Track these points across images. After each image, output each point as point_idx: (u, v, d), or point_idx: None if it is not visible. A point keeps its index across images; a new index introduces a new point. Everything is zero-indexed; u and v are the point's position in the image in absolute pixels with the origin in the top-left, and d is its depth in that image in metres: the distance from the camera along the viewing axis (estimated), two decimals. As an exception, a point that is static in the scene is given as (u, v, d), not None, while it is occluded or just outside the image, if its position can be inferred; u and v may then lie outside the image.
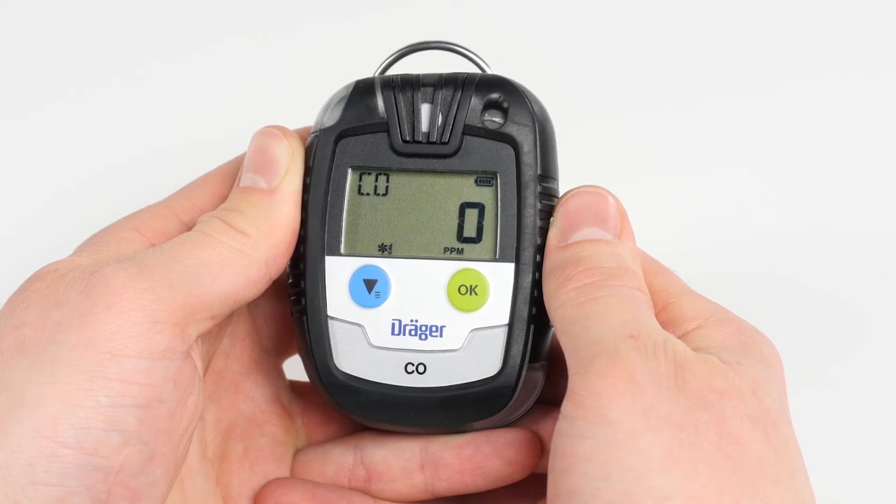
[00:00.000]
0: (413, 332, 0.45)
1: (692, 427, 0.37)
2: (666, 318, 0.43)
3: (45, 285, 0.41)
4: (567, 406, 0.39)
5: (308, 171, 0.46)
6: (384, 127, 0.46)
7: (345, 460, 0.48)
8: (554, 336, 0.48)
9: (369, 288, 0.46)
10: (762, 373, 0.40)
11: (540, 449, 0.47)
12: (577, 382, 0.39)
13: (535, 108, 0.46)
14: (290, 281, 0.47)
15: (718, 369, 0.39)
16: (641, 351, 0.39)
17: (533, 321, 0.45)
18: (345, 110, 0.46)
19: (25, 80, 0.70)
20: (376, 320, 0.46)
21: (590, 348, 0.40)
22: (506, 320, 0.45)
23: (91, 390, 0.39)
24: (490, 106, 0.46)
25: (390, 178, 0.46)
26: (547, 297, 0.44)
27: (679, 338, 0.42)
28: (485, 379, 0.45)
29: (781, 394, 0.41)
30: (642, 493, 0.36)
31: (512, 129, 0.46)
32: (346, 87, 0.47)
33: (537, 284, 0.45)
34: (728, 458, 0.37)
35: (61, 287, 0.41)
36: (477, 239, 0.46)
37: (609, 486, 0.37)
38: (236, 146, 0.48)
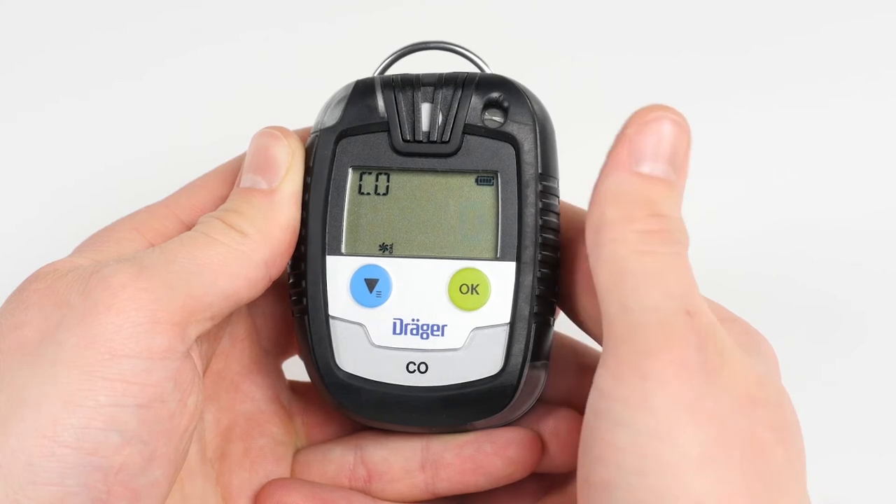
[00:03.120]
0: (414, 332, 0.45)
1: (730, 428, 0.37)
2: None
3: (44, 285, 0.41)
4: (605, 378, 0.38)
5: (308, 171, 0.46)
6: (384, 126, 0.46)
7: (345, 460, 0.48)
8: (555, 335, 0.48)
9: (370, 287, 0.46)
10: (780, 382, 0.40)
11: (541, 448, 0.47)
12: (623, 353, 0.37)
13: (536, 107, 0.46)
14: (290, 281, 0.47)
15: (757, 376, 0.39)
16: (696, 333, 0.37)
17: (534, 320, 0.45)
18: (345, 110, 0.46)
19: (25, 80, 0.70)
20: (378, 320, 0.46)
21: (641, 314, 0.38)
22: (507, 319, 0.45)
23: (91, 390, 0.39)
24: (490, 105, 0.46)
25: (391, 177, 0.46)
26: (598, 220, 0.40)
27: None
28: (486, 378, 0.45)
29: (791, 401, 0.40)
30: (676, 494, 0.36)
31: (512, 129, 0.46)
32: (347, 86, 0.47)
33: (539, 283, 0.45)
34: (754, 465, 0.37)
35: (61, 287, 0.41)
36: (478, 238, 0.46)
37: (643, 483, 0.36)
38: (236, 146, 0.48)
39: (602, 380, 0.38)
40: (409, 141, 0.46)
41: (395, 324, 0.46)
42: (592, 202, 0.41)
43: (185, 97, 0.70)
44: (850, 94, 0.69)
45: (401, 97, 0.46)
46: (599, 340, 0.46)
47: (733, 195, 0.68)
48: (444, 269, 0.46)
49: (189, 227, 0.45)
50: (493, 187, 0.46)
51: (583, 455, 0.39)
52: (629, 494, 0.36)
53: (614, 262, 0.39)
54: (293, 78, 0.70)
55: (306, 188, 0.46)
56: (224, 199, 0.46)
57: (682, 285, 0.39)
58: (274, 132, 0.46)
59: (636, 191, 0.40)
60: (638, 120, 0.41)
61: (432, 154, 0.46)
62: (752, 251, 0.67)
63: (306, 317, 0.46)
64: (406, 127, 0.46)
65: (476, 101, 0.46)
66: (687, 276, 0.39)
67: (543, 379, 0.47)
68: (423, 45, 0.48)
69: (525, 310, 0.45)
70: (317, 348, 0.46)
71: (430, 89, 0.46)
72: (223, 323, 0.47)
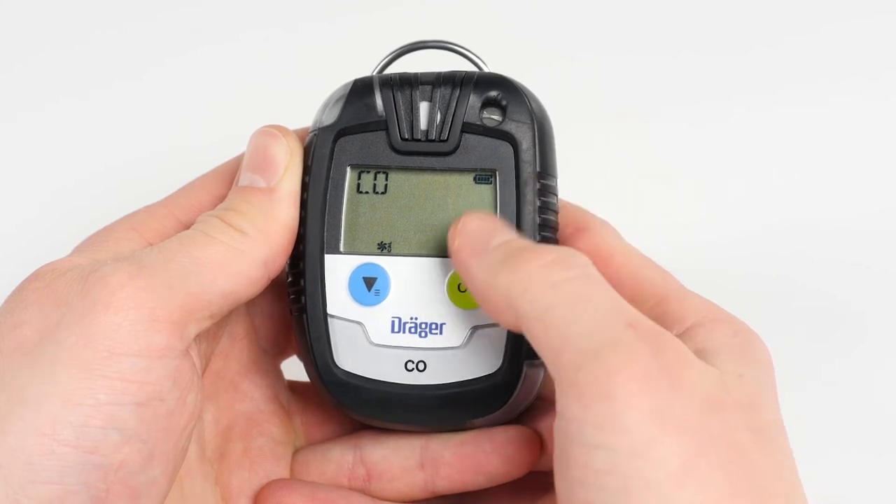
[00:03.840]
0: (413, 330, 0.46)
1: (705, 434, 0.37)
2: (662, 311, 0.43)
3: (43, 285, 0.41)
4: (572, 406, 0.37)
5: (307, 170, 0.46)
6: (383, 125, 0.46)
7: (344, 460, 0.48)
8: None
9: (369, 286, 0.46)
10: (761, 382, 0.40)
11: (540, 446, 0.47)
12: (582, 379, 0.37)
13: (534, 105, 0.46)
14: (289, 280, 0.47)
15: (719, 379, 0.38)
16: (647, 342, 0.37)
17: (533, 318, 0.45)
18: (343, 109, 0.46)
19: (25, 80, 0.70)
20: (376, 318, 0.46)
21: (586, 339, 0.37)
22: (506, 318, 0.45)
23: (90, 388, 0.39)
24: (488, 104, 0.46)
25: (389, 176, 0.46)
26: (503, 294, 0.40)
27: (676, 336, 0.42)
28: (485, 376, 0.45)
29: (775, 399, 0.40)
30: None
31: (510, 127, 0.46)
32: (345, 85, 0.47)
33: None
34: (738, 468, 0.37)
35: (60, 286, 0.41)
36: None
37: (628, 502, 0.36)
38: (236, 146, 0.48)
39: (568, 408, 0.37)
40: (407, 139, 0.46)
41: (393, 322, 0.46)
42: (485, 295, 0.41)
43: (185, 97, 0.70)
44: (850, 94, 0.70)
45: (399, 96, 0.46)
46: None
47: (733, 195, 0.68)
48: (442, 268, 0.46)
49: (187, 227, 0.45)
50: (491, 186, 0.46)
51: (560, 479, 0.38)
52: None
53: (537, 307, 0.39)
54: (293, 78, 0.70)
55: (305, 187, 0.46)
56: (222, 199, 0.46)
57: (610, 301, 0.39)
58: (272, 131, 0.46)
59: (507, 250, 0.41)
60: (453, 240, 0.43)
61: (430, 153, 0.46)
62: (752, 251, 0.67)
63: (305, 316, 0.46)
64: (404, 125, 0.46)
65: (474, 100, 0.46)
66: (607, 290, 0.39)
67: (542, 377, 0.47)
68: (422, 45, 0.48)
69: (524, 308, 0.45)
70: (315, 347, 0.46)
71: (429, 88, 0.46)
72: (222, 322, 0.47)
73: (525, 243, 0.42)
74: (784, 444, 0.39)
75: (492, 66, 0.48)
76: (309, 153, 0.47)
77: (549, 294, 0.39)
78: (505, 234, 0.42)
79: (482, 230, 0.43)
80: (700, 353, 0.40)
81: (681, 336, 0.41)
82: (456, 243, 0.43)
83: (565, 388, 0.38)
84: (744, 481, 0.37)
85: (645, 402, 0.36)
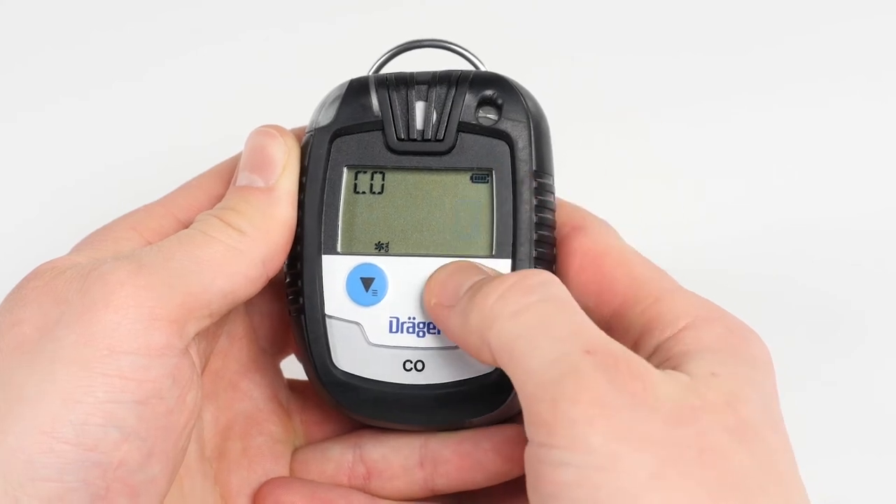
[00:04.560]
0: (411, 330, 0.46)
1: (673, 444, 0.37)
2: (657, 311, 0.43)
3: (42, 283, 0.41)
4: (538, 433, 0.38)
5: (304, 171, 0.46)
6: (379, 125, 0.46)
7: (344, 458, 0.48)
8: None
9: (367, 286, 0.46)
10: (742, 378, 0.40)
11: (537, 445, 0.47)
12: (545, 409, 0.37)
13: (530, 104, 0.46)
14: (287, 280, 0.47)
15: (687, 386, 0.39)
16: (604, 369, 0.38)
17: (529, 318, 0.45)
18: (339, 109, 0.46)
19: (25, 80, 0.71)
20: (374, 318, 0.46)
21: (547, 371, 0.38)
22: (503, 317, 0.45)
23: (90, 386, 0.39)
24: (484, 103, 0.46)
25: (386, 176, 0.46)
26: (477, 338, 0.41)
27: (665, 340, 0.41)
28: (483, 375, 0.45)
29: (767, 396, 0.40)
30: None
31: (506, 126, 0.46)
32: (341, 86, 0.47)
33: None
34: (713, 470, 0.37)
35: (59, 285, 0.41)
36: (473, 236, 0.46)
37: None
38: (236, 146, 0.49)
39: (536, 435, 0.38)
40: (403, 139, 0.46)
41: (391, 322, 0.46)
42: (466, 341, 0.42)
43: (185, 97, 0.70)
44: (850, 94, 0.69)
45: (395, 96, 0.46)
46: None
47: (733, 195, 0.68)
48: (439, 267, 0.46)
49: (186, 226, 0.45)
50: (487, 185, 0.46)
51: (534, 495, 0.38)
52: None
53: (501, 339, 0.40)
54: (293, 78, 0.70)
55: (302, 188, 0.46)
56: (220, 198, 0.46)
57: (568, 326, 0.39)
58: (270, 130, 0.46)
59: (474, 288, 0.42)
60: (426, 294, 0.44)
61: (427, 152, 0.46)
62: (752, 251, 0.67)
63: (303, 316, 0.46)
64: (400, 125, 0.46)
65: (470, 99, 0.46)
66: (566, 315, 0.40)
67: (540, 377, 0.47)
68: (418, 44, 0.48)
69: (520, 307, 0.45)
70: (313, 347, 0.46)
71: (425, 87, 0.46)
72: (221, 321, 0.47)
73: (489, 277, 0.42)
74: (774, 439, 0.39)
75: (491, 66, 0.48)
76: (305, 154, 0.47)
77: (510, 325, 0.40)
78: (473, 275, 0.43)
79: (452, 279, 0.44)
80: (682, 356, 0.40)
81: (672, 338, 0.42)
82: (431, 301, 0.44)
83: (531, 418, 0.38)
84: (721, 484, 0.36)
85: (607, 423, 0.37)
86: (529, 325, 0.39)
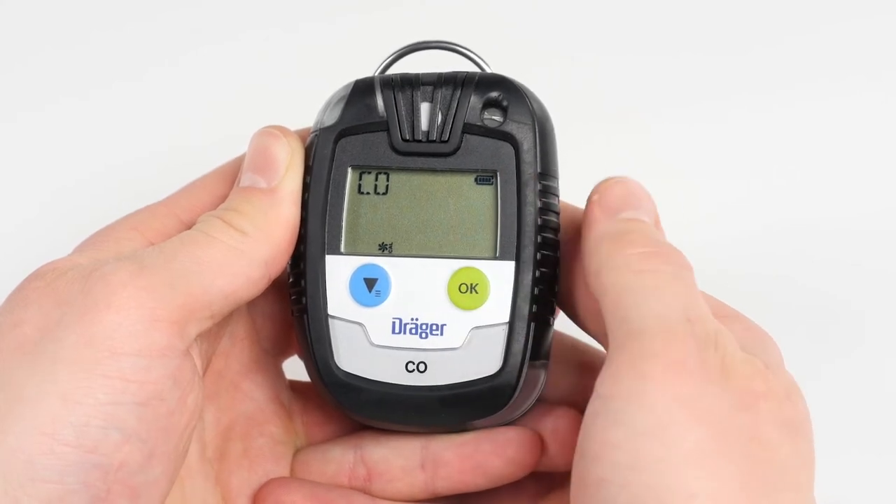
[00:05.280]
0: (414, 331, 0.45)
1: (729, 426, 0.37)
2: None
3: (44, 284, 0.41)
4: (605, 383, 0.38)
5: (308, 171, 0.46)
6: (384, 126, 0.46)
7: (345, 459, 0.48)
8: (555, 334, 0.48)
9: (370, 287, 0.46)
10: (788, 375, 0.40)
11: (540, 448, 0.47)
12: (622, 358, 0.38)
13: (535, 106, 0.46)
14: (290, 280, 0.47)
15: (760, 371, 0.39)
16: (696, 337, 0.38)
17: (534, 319, 0.45)
18: (344, 110, 0.46)
19: (25, 80, 0.70)
20: (377, 319, 0.46)
21: (642, 322, 0.39)
22: (506, 318, 0.45)
23: (90, 388, 0.39)
24: (489, 104, 0.46)
25: (390, 176, 0.46)
26: (596, 263, 0.42)
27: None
28: (485, 377, 0.45)
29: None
30: (669, 488, 0.36)
31: (511, 128, 0.46)
32: (346, 86, 0.47)
33: (538, 282, 0.45)
34: (753, 460, 0.37)
35: (61, 285, 0.41)
36: (477, 237, 0.46)
37: (637, 478, 0.37)
38: (236, 146, 0.48)
39: (602, 385, 0.39)
40: (408, 140, 0.46)
41: (394, 323, 0.46)
42: (586, 252, 0.43)
43: (185, 97, 0.70)
44: (850, 94, 0.69)
45: (400, 96, 0.46)
46: (599, 340, 0.46)
47: (733, 195, 0.68)
48: (443, 269, 0.46)
49: (189, 227, 0.45)
50: (492, 186, 0.46)
51: (579, 457, 0.39)
52: (623, 490, 0.37)
53: (616, 286, 0.40)
54: (293, 78, 0.70)
55: (306, 188, 0.46)
56: (224, 199, 0.46)
57: (683, 297, 0.40)
58: (273, 131, 0.46)
59: (621, 228, 0.43)
60: (599, 189, 0.45)
61: (432, 153, 0.46)
62: (753, 251, 0.67)
63: (306, 316, 0.46)
64: (405, 126, 0.46)
65: (475, 101, 0.46)
66: (687, 289, 0.40)
67: (543, 378, 0.47)
68: (424, 45, 0.48)
69: (524, 309, 0.45)
70: (316, 348, 0.46)
71: (430, 88, 0.46)
72: (223, 322, 0.47)
73: (640, 228, 0.43)
74: (811, 439, 0.39)
75: (492, 66, 0.48)
76: (310, 154, 0.47)
77: (631, 277, 0.40)
78: (634, 211, 0.44)
79: (620, 199, 0.44)
80: None
81: None
82: (594, 196, 0.44)
83: (606, 366, 0.39)
84: (758, 474, 0.37)
85: (675, 387, 0.37)
86: (648, 284, 0.40)
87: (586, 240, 0.43)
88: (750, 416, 0.38)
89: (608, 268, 0.41)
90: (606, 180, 0.45)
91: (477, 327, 0.45)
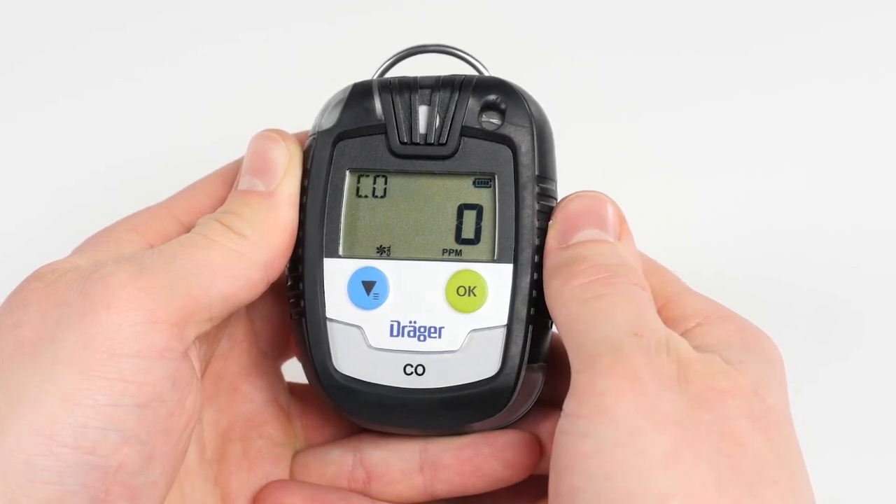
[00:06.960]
0: (412, 334, 0.46)
1: (693, 426, 0.38)
2: (666, 316, 0.43)
3: (43, 285, 0.41)
4: (569, 404, 0.39)
5: (306, 174, 0.46)
6: (382, 129, 0.46)
7: (344, 462, 0.49)
8: (553, 336, 0.48)
9: (368, 289, 0.46)
10: (765, 371, 0.40)
11: (539, 450, 0.47)
12: (580, 380, 0.39)
13: (533, 109, 0.46)
14: (288, 283, 0.47)
15: (721, 368, 0.39)
16: (645, 349, 0.39)
17: (531, 322, 0.45)
18: (342, 113, 0.46)
19: (25, 80, 0.70)
20: (375, 322, 0.46)
21: (594, 346, 0.40)
22: (504, 321, 0.45)
23: (89, 389, 0.39)
24: (487, 107, 0.46)
25: (388, 179, 0.46)
26: (550, 297, 0.44)
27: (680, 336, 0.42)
28: (483, 380, 0.45)
29: (784, 392, 0.41)
30: (643, 491, 0.37)
31: (509, 131, 0.46)
32: (344, 89, 0.47)
33: (535, 285, 0.45)
34: (728, 457, 0.37)
35: (60, 287, 0.41)
36: (475, 240, 0.46)
37: (611, 485, 0.37)
38: (236, 147, 0.48)
39: (567, 406, 0.40)
40: (406, 143, 0.46)
41: (392, 326, 0.46)
42: (544, 286, 0.45)
43: (185, 97, 0.70)
44: (850, 94, 0.69)
45: (398, 100, 0.46)
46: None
47: (733, 196, 0.68)
48: (441, 272, 0.46)
49: (188, 229, 0.45)
50: (490, 189, 0.46)
51: (553, 471, 0.39)
52: (598, 497, 0.37)
53: (567, 318, 0.42)
54: (293, 78, 0.69)
55: (304, 191, 0.46)
56: (223, 202, 0.46)
57: (628, 314, 0.41)
58: (272, 135, 0.46)
59: (567, 259, 0.44)
60: (557, 210, 0.46)
61: (430, 156, 0.46)
62: (752, 252, 0.67)
63: (304, 319, 0.46)
64: (403, 129, 0.46)
65: (473, 104, 0.46)
66: (632, 304, 0.41)
67: (541, 381, 0.47)
68: (422, 49, 0.48)
69: (522, 312, 0.45)
70: (314, 350, 0.46)
71: (428, 92, 0.46)
72: (222, 325, 0.47)
73: (588, 253, 0.44)
74: (788, 429, 0.40)
75: (491, 67, 0.48)
76: (308, 157, 0.47)
77: (578, 308, 0.42)
78: (589, 230, 0.44)
79: (575, 218, 0.45)
80: (700, 349, 0.41)
81: (684, 335, 0.42)
82: (551, 221, 0.45)
83: (570, 389, 0.40)
84: (733, 471, 0.37)
85: (634, 397, 0.38)
86: (595, 309, 0.41)
87: (544, 272, 0.45)
88: (715, 413, 0.38)
89: (558, 303, 0.43)
90: (564, 199, 0.46)
91: (475, 330, 0.45)
